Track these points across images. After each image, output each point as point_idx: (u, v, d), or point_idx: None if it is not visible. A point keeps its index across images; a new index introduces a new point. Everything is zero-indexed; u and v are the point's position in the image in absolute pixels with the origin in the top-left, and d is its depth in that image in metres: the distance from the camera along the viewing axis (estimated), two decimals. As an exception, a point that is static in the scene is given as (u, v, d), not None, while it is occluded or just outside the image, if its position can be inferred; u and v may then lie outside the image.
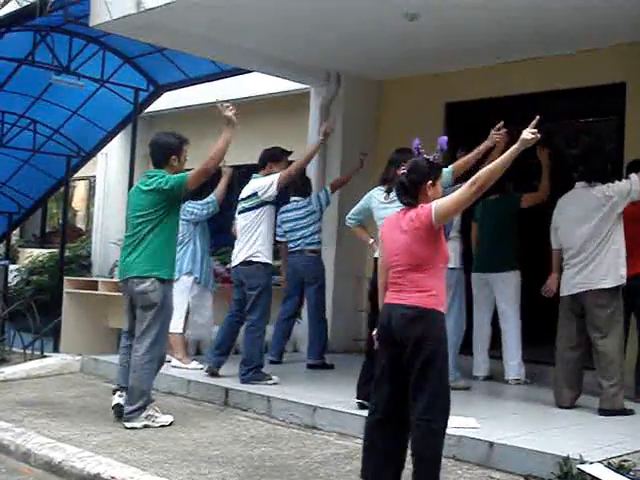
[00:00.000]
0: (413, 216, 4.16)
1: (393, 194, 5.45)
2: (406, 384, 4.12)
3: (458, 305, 6.92)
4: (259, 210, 6.82)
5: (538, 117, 4.36)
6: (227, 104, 5.98)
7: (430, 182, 4.24)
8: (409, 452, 4.13)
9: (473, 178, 4.12)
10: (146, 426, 5.69)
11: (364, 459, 4.27)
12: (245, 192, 6.98)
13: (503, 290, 7.24)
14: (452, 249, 6.78)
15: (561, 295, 6.21)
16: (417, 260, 4.12)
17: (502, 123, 5.64)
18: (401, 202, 4.29)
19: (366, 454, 4.26)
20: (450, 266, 6.70)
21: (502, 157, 4.18)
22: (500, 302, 7.29)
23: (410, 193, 4.23)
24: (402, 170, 4.28)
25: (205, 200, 7.54)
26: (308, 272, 7.86)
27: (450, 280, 6.70)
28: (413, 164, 4.28)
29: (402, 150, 5.80)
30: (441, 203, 4.14)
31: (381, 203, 5.93)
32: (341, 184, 8.23)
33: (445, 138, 4.45)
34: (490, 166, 4.16)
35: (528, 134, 4.21)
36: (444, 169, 5.46)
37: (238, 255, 6.89)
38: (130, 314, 5.97)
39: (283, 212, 7.91)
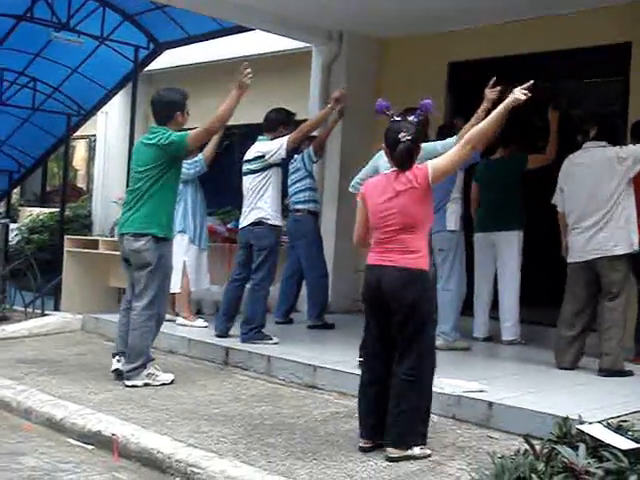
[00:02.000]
0: (410, 176, 4.21)
1: None
2: (394, 341, 4.23)
3: (459, 267, 6.91)
4: (266, 172, 6.78)
5: (532, 81, 4.45)
6: (249, 71, 5.87)
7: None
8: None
9: (467, 137, 4.22)
10: (147, 384, 5.71)
11: (360, 419, 4.38)
12: (251, 154, 6.93)
13: (506, 250, 7.22)
14: (453, 211, 6.78)
15: (571, 261, 6.14)
16: (412, 221, 4.20)
17: (494, 79, 5.55)
18: (401, 167, 4.28)
19: (360, 414, 4.38)
20: (451, 228, 6.73)
21: (493, 114, 4.25)
22: (501, 262, 7.27)
23: (412, 157, 4.27)
24: (405, 136, 4.26)
25: (193, 159, 7.48)
26: (294, 232, 7.83)
27: (452, 242, 6.72)
28: (414, 128, 4.31)
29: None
30: (437, 163, 4.23)
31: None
32: (322, 141, 8.09)
33: (429, 101, 4.46)
34: (482, 124, 4.24)
35: (520, 93, 4.30)
36: (450, 139, 5.45)
37: (247, 216, 6.87)
38: (127, 273, 5.97)
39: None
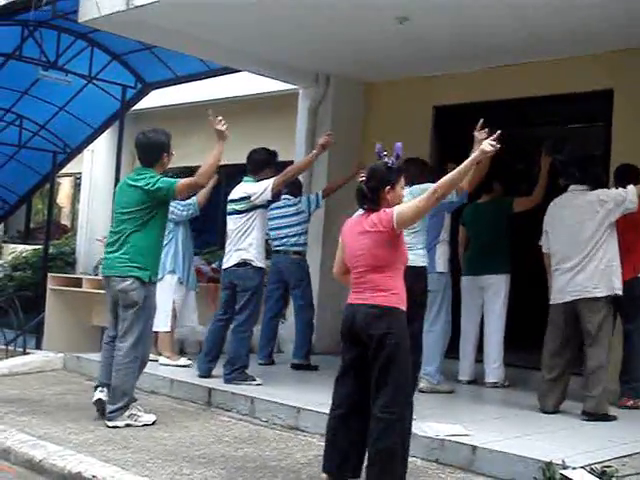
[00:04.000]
0: (375, 220, 4.32)
1: None
2: (368, 380, 4.27)
3: (446, 309, 6.93)
4: (251, 213, 6.81)
5: (499, 132, 4.52)
6: (219, 117, 5.95)
7: (389, 187, 4.38)
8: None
9: (434, 186, 4.29)
10: (128, 425, 5.66)
11: (326, 453, 4.41)
12: (236, 194, 6.95)
13: (493, 293, 7.26)
14: (442, 253, 6.83)
15: (552, 302, 6.19)
16: (378, 262, 4.30)
17: (482, 120, 5.61)
18: (360, 206, 4.44)
19: (328, 448, 4.40)
20: (440, 270, 6.76)
21: (462, 166, 4.32)
22: (488, 305, 7.30)
23: (370, 199, 4.38)
24: (361, 177, 4.43)
25: (186, 201, 7.51)
26: (292, 274, 7.86)
27: (439, 284, 6.74)
28: (371, 171, 4.42)
29: (410, 160, 5.93)
30: (401, 210, 4.32)
31: None
32: (335, 189, 8.20)
33: (399, 145, 4.53)
34: (451, 175, 4.30)
35: (488, 146, 4.36)
36: (425, 185, 5.52)
37: (231, 257, 6.87)
38: (113, 311, 5.95)
39: (271, 209, 7.88)
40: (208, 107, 6.21)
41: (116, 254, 5.80)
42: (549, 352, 6.13)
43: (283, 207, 7.93)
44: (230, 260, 6.88)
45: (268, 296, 7.99)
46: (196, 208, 7.63)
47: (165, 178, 5.82)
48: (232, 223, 6.92)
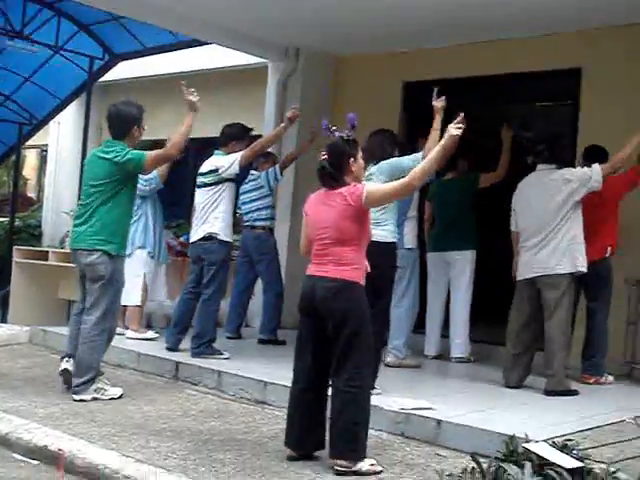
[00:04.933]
0: (345, 193, 4.34)
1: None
2: (327, 354, 4.31)
3: (414, 285, 6.98)
4: (219, 187, 6.79)
5: (463, 114, 4.60)
6: (192, 89, 5.91)
7: (352, 159, 4.44)
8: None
9: (408, 179, 4.33)
10: (95, 399, 5.65)
11: (287, 428, 4.47)
12: (205, 167, 6.94)
13: (459, 269, 7.32)
14: (410, 229, 6.86)
15: (517, 279, 6.26)
16: (344, 235, 4.33)
17: (437, 89, 5.68)
18: (324, 186, 4.45)
19: (289, 423, 4.47)
20: (408, 246, 6.80)
21: (432, 154, 4.39)
22: (454, 281, 7.36)
23: (334, 176, 4.41)
24: (322, 156, 4.44)
25: (148, 176, 7.44)
26: (255, 249, 7.84)
27: (408, 260, 6.78)
28: (331, 147, 4.46)
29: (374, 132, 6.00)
30: (373, 190, 4.37)
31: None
32: (291, 160, 8.25)
33: (352, 115, 4.56)
34: (423, 164, 4.39)
35: (454, 130, 4.44)
36: (417, 154, 5.54)
37: (198, 231, 6.86)
38: (82, 284, 5.92)
39: (243, 184, 7.91)
40: (177, 80, 6.17)
41: (83, 227, 5.76)
42: (513, 327, 6.22)
43: (248, 182, 7.93)
44: (197, 234, 6.86)
45: (236, 270, 7.99)
46: (158, 181, 7.55)
47: (135, 150, 5.78)
48: (200, 196, 6.90)
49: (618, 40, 7.25)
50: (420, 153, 5.54)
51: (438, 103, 5.66)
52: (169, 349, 6.90)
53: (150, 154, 5.78)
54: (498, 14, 7.12)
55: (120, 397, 5.75)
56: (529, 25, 7.38)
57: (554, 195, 6.06)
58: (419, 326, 7.36)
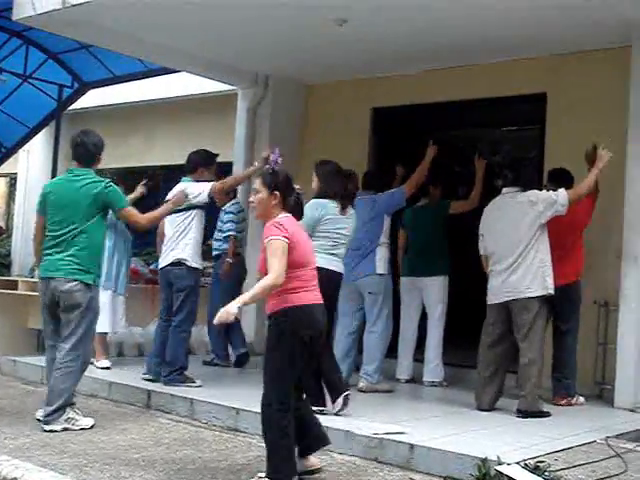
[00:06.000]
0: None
1: (351, 209, 6.06)
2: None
3: (387, 310, 7.00)
4: (189, 213, 6.79)
5: (435, 146, 4.82)
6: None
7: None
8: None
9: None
10: (66, 429, 5.59)
11: None
12: (174, 193, 6.91)
13: (431, 294, 7.37)
14: (382, 255, 6.90)
15: (488, 303, 6.29)
16: None
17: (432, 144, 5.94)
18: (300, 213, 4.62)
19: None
20: (380, 272, 6.84)
21: None
22: (427, 306, 7.41)
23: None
24: (299, 189, 4.58)
25: None
26: (239, 275, 7.94)
27: (380, 286, 6.82)
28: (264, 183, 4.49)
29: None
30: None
31: (336, 216, 6.01)
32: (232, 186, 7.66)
33: (277, 151, 4.61)
34: None
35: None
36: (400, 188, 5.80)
37: (167, 256, 6.84)
38: (47, 314, 5.84)
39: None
40: (146, 107, 6.17)
41: (60, 255, 5.71)
42: (484, 350, 6.25)
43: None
44: (165, 259, 6.85)
45: (211, 298, 8.00)
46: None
47: (116, 190, 5.80)
48: (170, 223, 6.88)
49: (581, 65, 7.38)
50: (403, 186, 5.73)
51: (431, 150, 6.24)
52: (151, 380, 6.83)
53: (129, 210, 5.88)
54: (466, 40, 7.23)
55: (92, 427, 5.68)
56: (495, 51, 7.50)
57: (521, 218, 6.11)
58: (391, 350, 7.37)
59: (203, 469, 4.76)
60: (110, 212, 5.97)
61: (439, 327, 7.39)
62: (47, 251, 5.80)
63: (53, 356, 5.80)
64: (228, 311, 4.18)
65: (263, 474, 4.34)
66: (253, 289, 4.27)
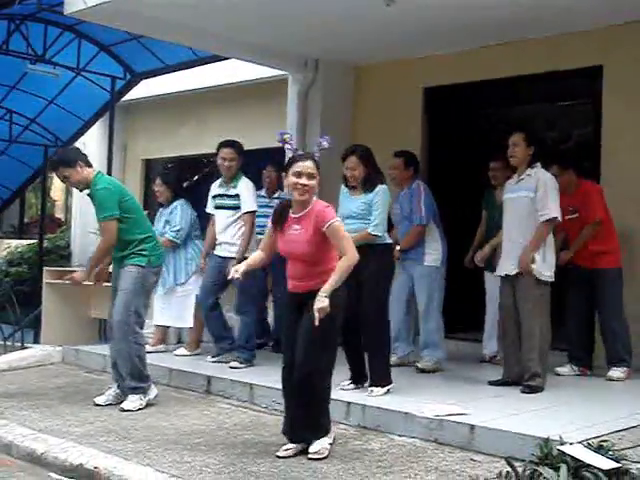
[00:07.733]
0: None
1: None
2: None
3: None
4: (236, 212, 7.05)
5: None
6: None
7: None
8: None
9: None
10: (140, 409, 5.84)
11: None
12: (220, 190, 7.15)
13: None
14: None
15: (496, 274, 6.39)
16: None
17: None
18: None
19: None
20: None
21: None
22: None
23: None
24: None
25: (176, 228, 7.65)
26: None
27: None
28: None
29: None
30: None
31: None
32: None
33: (327, 138, 4.80)
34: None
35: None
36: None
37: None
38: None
39: None
40: (198, 95, 6.21)
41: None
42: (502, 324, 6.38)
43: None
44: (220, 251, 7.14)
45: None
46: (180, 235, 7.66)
47: (109, 203, 6.04)
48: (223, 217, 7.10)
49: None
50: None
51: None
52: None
53: (108, 226, 6.00)
54: (518, 14, 7.06)
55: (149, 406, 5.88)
56: (551, 24, 7.32)
57: (525, 196, 6.10)
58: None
59: (264, 453, 4.79)
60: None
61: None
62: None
63: None
64: None
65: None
66: (338, 273, 4.52)
